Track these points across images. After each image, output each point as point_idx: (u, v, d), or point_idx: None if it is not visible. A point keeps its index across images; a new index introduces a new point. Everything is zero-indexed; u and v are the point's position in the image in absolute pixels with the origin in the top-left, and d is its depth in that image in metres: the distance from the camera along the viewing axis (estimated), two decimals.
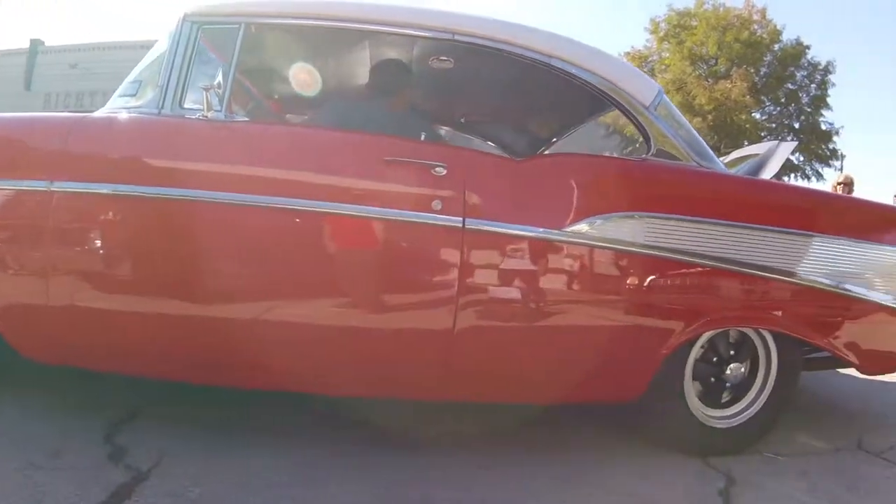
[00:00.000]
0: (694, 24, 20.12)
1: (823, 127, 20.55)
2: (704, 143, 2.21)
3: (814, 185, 19.10)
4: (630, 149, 2.56)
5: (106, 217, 1.77)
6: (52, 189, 1.71)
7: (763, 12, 20.15)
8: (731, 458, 2.03)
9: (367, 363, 1.84)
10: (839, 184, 5.59)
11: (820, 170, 20.64)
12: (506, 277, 1.83)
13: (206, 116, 1.79)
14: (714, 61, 20.11)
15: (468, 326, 1.78)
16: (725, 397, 2.14)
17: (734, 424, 2.12)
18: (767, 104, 20.78)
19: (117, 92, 2.06)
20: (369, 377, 1.88)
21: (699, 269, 1.94)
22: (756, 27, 20.14)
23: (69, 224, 1.76)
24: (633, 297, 1.90)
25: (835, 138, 20.60)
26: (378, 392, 1.94)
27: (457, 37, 1.98)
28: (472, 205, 1.78)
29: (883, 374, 2.39)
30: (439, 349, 1.81)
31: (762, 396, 2.13)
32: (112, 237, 1.78)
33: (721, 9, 20.19)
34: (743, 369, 2.14)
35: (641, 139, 2.14)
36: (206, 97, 1.78)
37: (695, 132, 2.26)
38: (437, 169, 1.78)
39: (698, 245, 1.92)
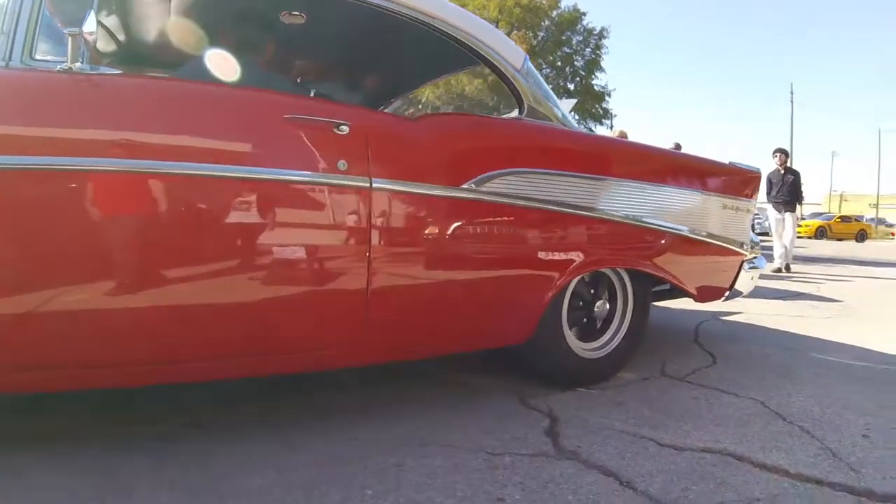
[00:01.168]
0: None
1: (597, 89, 22.97)
2: (560, 105, 2.47)
3: None
4: (503, 109, 2.77)
5: None
6: None
7: None
8: (548, 396, 2.21)
9: (282, 335, 1.74)
10: None
11: (593, 127, 22.70)
12: (413, 235, 1.88)
13: (71, 68, 1.48)
14: (495, 24, 21.27)
15: (381, 286, 1.79)
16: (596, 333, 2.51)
17: (602, 354, 2.48)
18: (544, 67, 22.43)
19: None
20: (287, 349, 1.78)
21: (573, 218, 2.20)
22: None
23: None
24: (522, 246, 2.09)
25: (607, 98, 23.23)
26: (300, 366, 1.87)
27: None
28: (377, 164, 1.78)
29: (712, 301, 2.94)
30: (356, 310, 1.77)
31: (622, 328, 2.53)
32: None
33: None
34: (607, 305, 2.48)
35: (514, 101, 2.29)
36: (72, 44, 1.48)
37: (553, 94, 2.50)
38: (340, 127, 1.74)
39: (568, 196, 2.18)
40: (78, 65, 1.50)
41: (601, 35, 22.66)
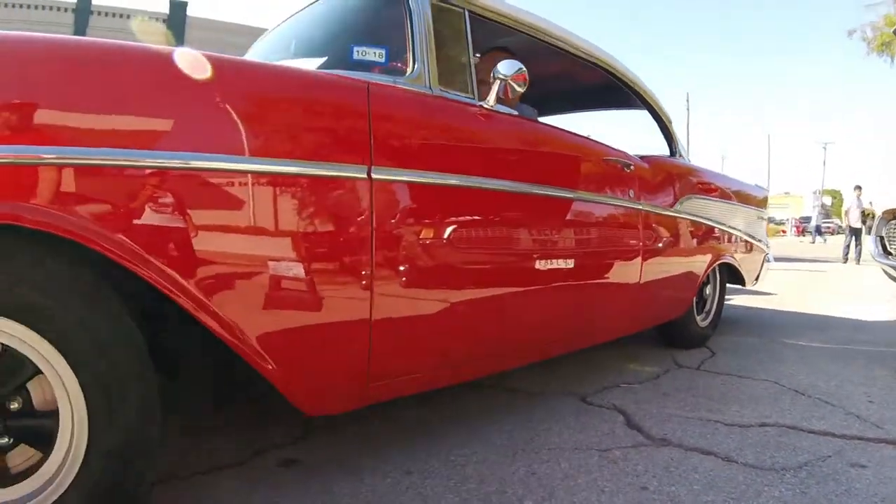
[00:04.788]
0: None
1: None
2: None
3: None
4: None
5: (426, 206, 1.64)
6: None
7: None
8: (600, 394, 2.36)
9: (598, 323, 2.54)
10: None
11: None
12: (653, 239, 2.74)
13: (490, 108, 1.86)
14: None
15: (645, 278, 2.65)
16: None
17: (706, 324, 3.47)
18: None
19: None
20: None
21: (715, 229, 3.36)
22: None
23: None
24: (698, 246, 3.22)
25: None
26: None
27: None
28: (641, 192, 2.65)
29: (750, 285, 3.95)
30: (633, 293, 2.57)
31: (714, 305, 3.56)
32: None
33: None
34: (709, 290, 3.52)
35: (667, 143, 3.24)
36: (497, 87, 1.83)
37: None
38: (629, 168, 2.55)
39: (711, 214, 3.32)
40: (491, 104, 1.85)
41: None
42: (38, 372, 1.09)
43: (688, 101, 28.19)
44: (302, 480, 1.56)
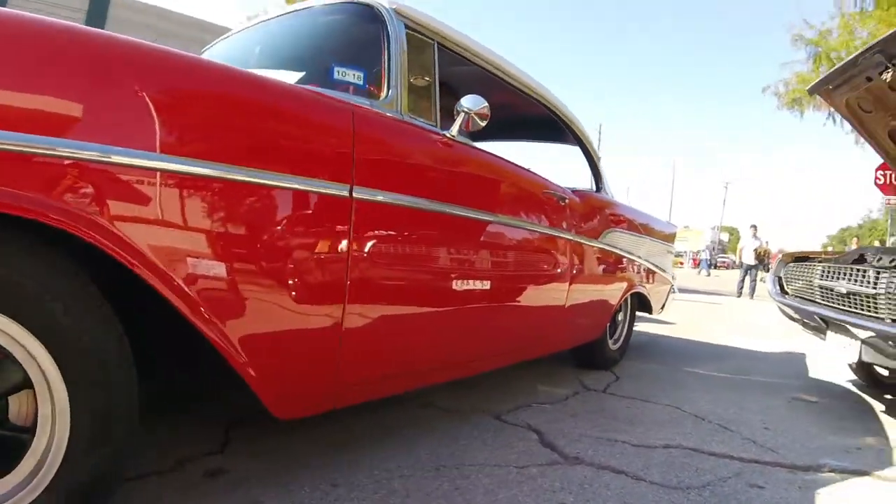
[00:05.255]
0: None
1: None
2: None
3: None
4: None
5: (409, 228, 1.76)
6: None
7: None
8: (514, 413, 2.42)
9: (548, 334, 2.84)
10: None
11: None
12: (581, 267, 2.95)
13: (452, 137, 1.94)
14: None
15: (571, 302, 2.88)
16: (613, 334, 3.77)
17: (616, 347, 3.72)
18: None
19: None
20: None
21: (630, 260, 3.60)
22: None
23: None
24: (615, 276, 3.44)
25: None
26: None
27: None
28: (575, 223, 2.90)
29: (656, 313, 4.28)
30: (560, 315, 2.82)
31: (624, 331, 3.83)
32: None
33: None
34: (620, 315, 3.80)
35: (593, 178, 3.46)
36: (461, 120, 1.92)
37: None
38: (564, 200, 2.74)
39: (628, 246, 3.58)
40: (454, 134, 1.94)
41: None
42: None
43: (600, 131, 29.56)
44: (229, 491, 1.50)
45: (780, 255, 3.76)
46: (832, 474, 1.98)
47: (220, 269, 1.23)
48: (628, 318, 3.86)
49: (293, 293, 1.39)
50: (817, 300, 3.04)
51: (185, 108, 1.20)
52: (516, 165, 2.44)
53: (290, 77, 1.84)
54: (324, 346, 1.51)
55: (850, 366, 3.58)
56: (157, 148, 1.11)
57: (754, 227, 12.72)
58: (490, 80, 2.47)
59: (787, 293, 3.48)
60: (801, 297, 3.25)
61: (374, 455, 1.82)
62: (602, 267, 3.17)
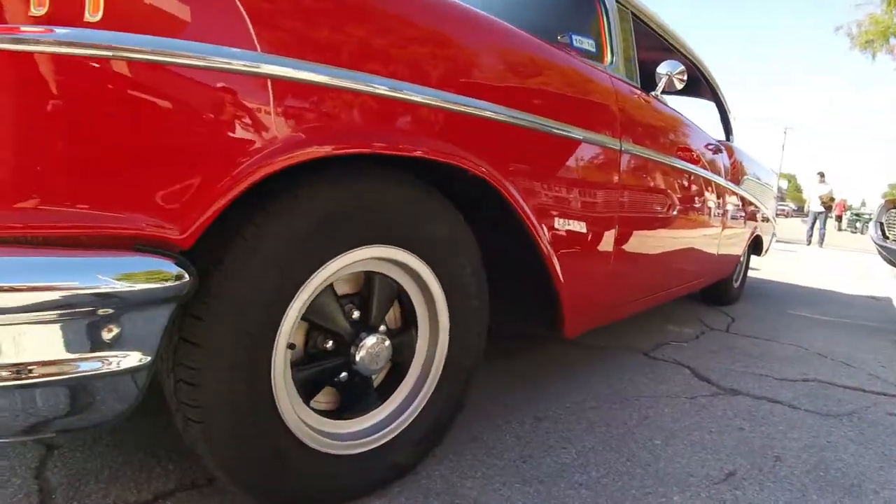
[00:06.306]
0: None
1: None
2: None
3: None
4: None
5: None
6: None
7: None
8: (656, 350, 2.81)
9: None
10: None
11: None
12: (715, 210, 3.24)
13: (656, 96, 2.28)
14: None
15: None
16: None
17: (738, 284, 4.23)
18: None
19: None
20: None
21: (755, 205, 4.04)
22: None
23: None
24: (743, 219, 3.76)
25: None
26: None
27: None
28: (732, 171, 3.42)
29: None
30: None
31: (743, 269, 4.35)
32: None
33: None
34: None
35: (724, 131, 3.82)
36: (664, 82, 2.26)
37: None
38: (720, 150, 3.21)
39: (748, 191, 3.84)
40: (658, 94, 2.29)
41: None
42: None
43: None
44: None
45: (883, 201, 3.89)
46: None
47: (554, 205, 1.57)
48: (746, 257, 4.24)
49: (589, 224, 1.74)
50: None
51: (568, 86, 1.65)
52: (687, 119, 2.70)
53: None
54: (603, 269, 1.90)
55: None
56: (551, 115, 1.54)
57: (821, 174, 12.48)
58: (659, 43, 2.71)
59: (888, 237, 3.63)
60: None
61: (559, 391, 2.06)
62: (740, 210, 3.53)
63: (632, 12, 2.26)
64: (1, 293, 0.69)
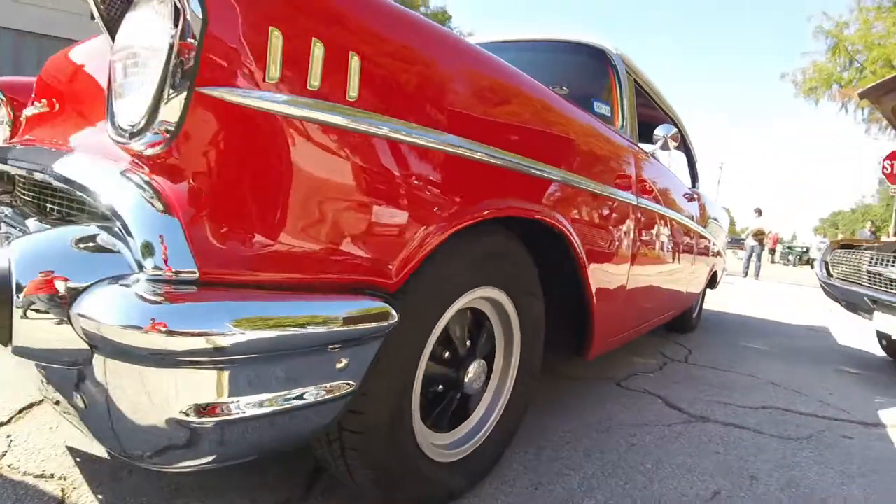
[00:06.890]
0: None
1: None
2: None
3: None
4: None
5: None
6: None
7: None
8: (626, 380, 3.04)
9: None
10: None
11: None
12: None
13: (652, 154, 2.52)
14: None
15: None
16: None
17: (695, 314, 4.70)
18: None
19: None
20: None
21: (705, 238, 4.22)
22: None
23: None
24: (701, 260, 4.06)
25: None
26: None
27: None
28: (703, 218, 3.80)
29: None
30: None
31: (701, 302, 4.84)
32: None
33: None
34: None
35: (690, 178, 4.04)
36: (661, 143, 2.51)
37: None
38: (694, 196, 3.62)
39: (703, 230, 4.13)
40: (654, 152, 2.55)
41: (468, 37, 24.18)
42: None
43: None
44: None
45: (829, 242, 4.29)
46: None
47: (594, 246, 1.86)
48: (704, 291, 4.73)
49: (614, 260, 2.03)
50: (864, 283, 3.53)
51: (586, 145, 1.84)
52: (672, 172, 3.01)
53: None
54: (618, 298, 2.15)
55: (881, 343, 4.12)
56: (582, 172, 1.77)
57: (758, 209, 13.24)
58: (647, 101, 3.01)
59: (832, 276, 3.98)
60: (847, 280, 3.75)
61: (553, 421, 2.20)
62: (705, 249, 3.92)
63: (634, 79, 2.54)
64: (267, 329, 0.83)
